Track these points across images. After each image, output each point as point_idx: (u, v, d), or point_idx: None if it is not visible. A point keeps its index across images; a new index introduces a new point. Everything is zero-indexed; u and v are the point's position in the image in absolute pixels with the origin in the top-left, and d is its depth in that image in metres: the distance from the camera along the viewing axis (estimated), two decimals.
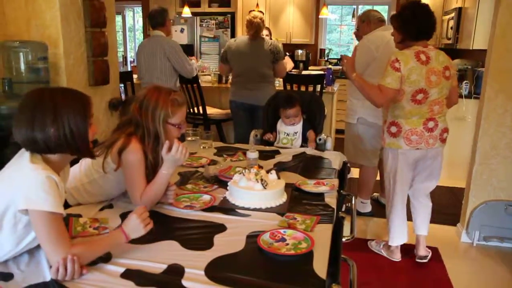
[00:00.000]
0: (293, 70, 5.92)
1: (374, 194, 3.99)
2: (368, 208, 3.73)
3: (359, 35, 3.63)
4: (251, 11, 4.16)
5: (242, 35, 4.19)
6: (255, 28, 3.91)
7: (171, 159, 1.76)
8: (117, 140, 1.77)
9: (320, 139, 3.08)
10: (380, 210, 3.81)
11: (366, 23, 3.52)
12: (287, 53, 4.44)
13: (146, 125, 1.79)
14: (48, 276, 1.29)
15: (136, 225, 1.43)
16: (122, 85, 4.65)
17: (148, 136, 1.79)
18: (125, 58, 9.23)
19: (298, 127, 3.08)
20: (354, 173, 3.80)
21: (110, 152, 1.77)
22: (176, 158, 1.76)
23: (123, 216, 1.73)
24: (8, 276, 1.29)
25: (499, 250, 3.15)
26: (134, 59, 9.33)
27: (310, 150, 2.84)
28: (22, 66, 2.89)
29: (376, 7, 4.24)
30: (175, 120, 1.84)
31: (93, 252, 1.35)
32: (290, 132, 3.08)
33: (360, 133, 3.52)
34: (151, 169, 1.81)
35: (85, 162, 1.87)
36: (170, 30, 4.18)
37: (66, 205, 1.67)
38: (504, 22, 2.94)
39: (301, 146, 3.03)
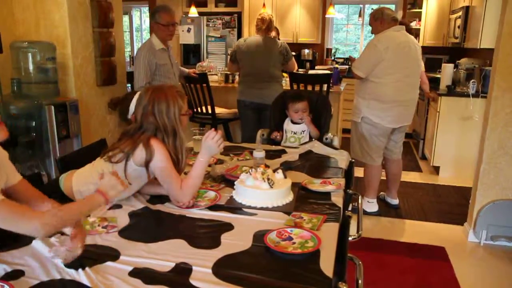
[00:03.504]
0: (299, 70, 5.92)
1: (381, 193, 3.98)
2: (374, 207, 3.73)
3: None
4: (260, 13, 4.20)
5: (252, 36, 4.20)
6: (267, 23, 4.01)
7: (205, 145, 1.87)
8: (136, 147, 1.81)
9: (326, 139, 3.08)
10: (387, 209, 3.81)
11: (379, 21, 3.42)
12: (293, 53, 4.44)
13: (164, 126, 1.86)
14: (57, 274, 1.30)
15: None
16: (129, 85, 4.67)
17: (167, 136, 1.87)
18: (132, 58, 9.25)
19: (306, 126, 3.08)
20: (362, 172, 3.81)
21: (132, 157, 1.82)
22: (209, 145, 1.86)
23: (132, 215, 1.75)
24: (18, 274, 1.30)
25: (507, 250, 3.13)
26: None
27: (316, 145, 2.83)
28: (31, 66, 2.92)
29: (383, 6, 4.19)
30: (184, 109, 1.93)
31: (69, 211, 1.34)
32: (297, 130, 3.08)
33: (364, 132, 3.52)
34: (174, 165, 1.88)
35: (98, 164, 1.90)
36: (158, 33, 3.54)
37: None
38: None
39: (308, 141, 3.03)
